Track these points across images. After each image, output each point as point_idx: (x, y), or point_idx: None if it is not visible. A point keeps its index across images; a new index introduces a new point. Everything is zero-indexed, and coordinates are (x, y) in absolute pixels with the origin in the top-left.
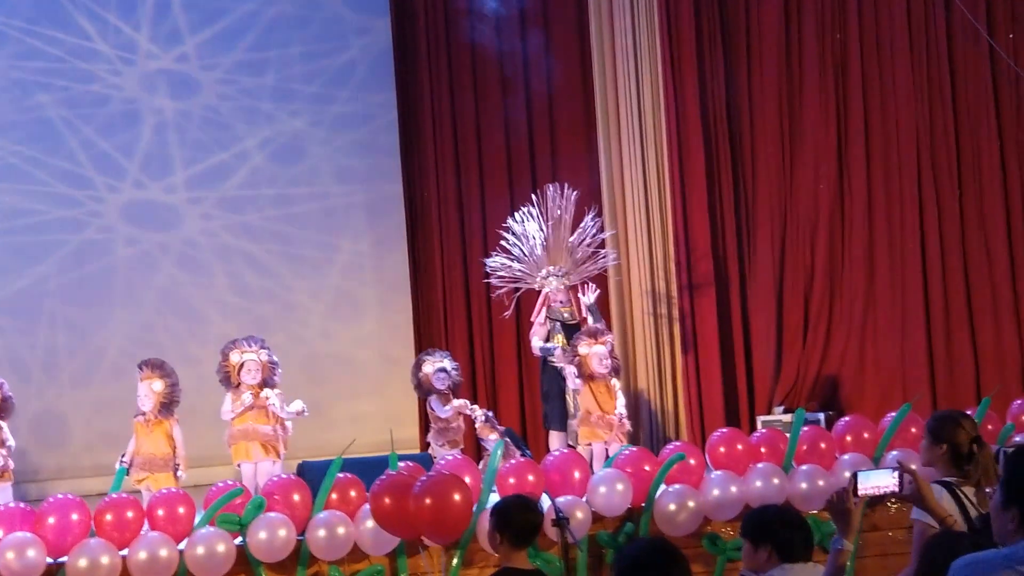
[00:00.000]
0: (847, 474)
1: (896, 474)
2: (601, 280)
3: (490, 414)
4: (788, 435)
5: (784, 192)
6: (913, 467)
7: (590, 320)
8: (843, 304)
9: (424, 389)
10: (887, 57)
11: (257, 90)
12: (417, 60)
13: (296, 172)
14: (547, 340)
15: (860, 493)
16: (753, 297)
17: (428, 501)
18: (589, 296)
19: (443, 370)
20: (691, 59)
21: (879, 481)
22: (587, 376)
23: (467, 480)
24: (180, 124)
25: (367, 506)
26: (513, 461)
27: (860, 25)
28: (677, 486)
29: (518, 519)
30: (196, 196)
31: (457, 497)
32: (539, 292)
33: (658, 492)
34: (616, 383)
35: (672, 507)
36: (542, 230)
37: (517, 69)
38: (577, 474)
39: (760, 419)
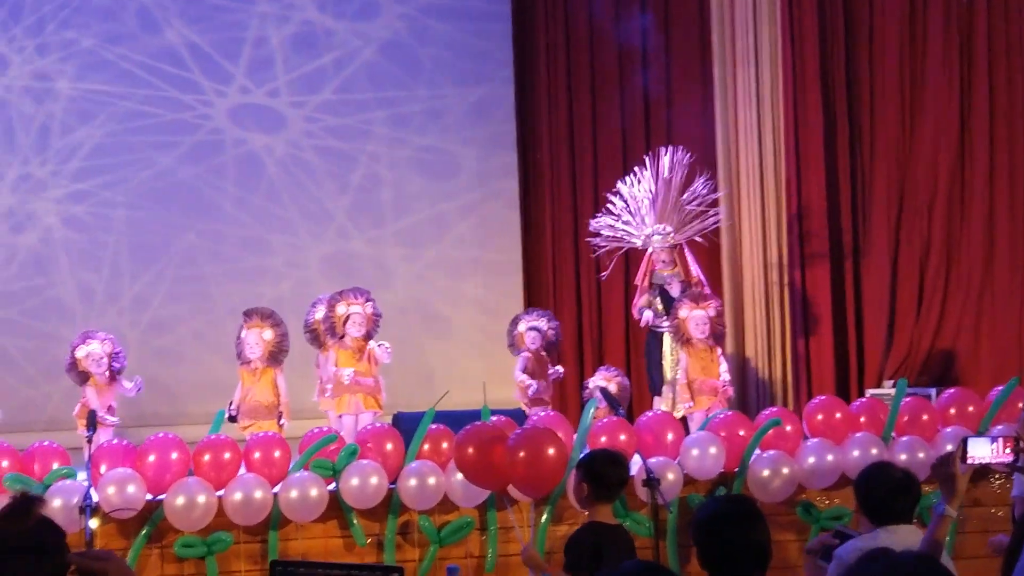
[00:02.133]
0: (949, 447)
1: (1005, 444)
2: (714, 248)
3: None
4: (888, 404)
5: (902, 160)
6: None
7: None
8: (959, 277)
9: (517, 348)
10: (1016, 26)
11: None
12: (535, 28)
13: (407, 124)
14: (649, 307)
15: (968, 460)
16: (867, 267)
17: (522, 454)
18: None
19: (535, 329)
20: (812, 21)
21: (989, 451)
22: (684, 340)
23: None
24: (283, 29)
25: None
26: (606, 420)
27: None
28: (772, 452)
29: (604, 471)
30: (298, 100)
31: (551, 451)
32: (643, 253)
33: (752, 457)
34: (719, 349)
35: (766, 473)
36: (651, 190)
37: (633, 33)
38: (670, 435)
39: (868, 392)
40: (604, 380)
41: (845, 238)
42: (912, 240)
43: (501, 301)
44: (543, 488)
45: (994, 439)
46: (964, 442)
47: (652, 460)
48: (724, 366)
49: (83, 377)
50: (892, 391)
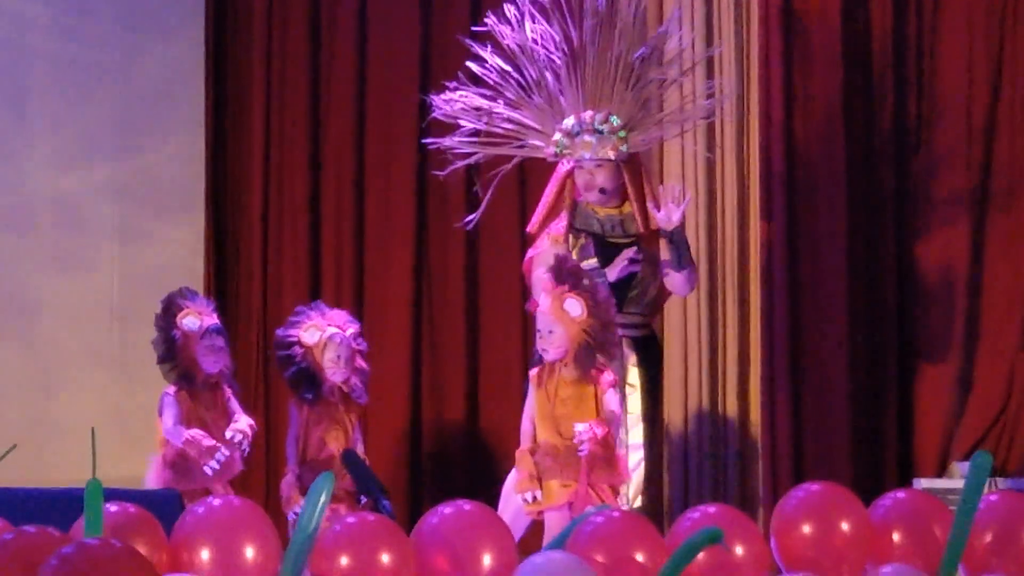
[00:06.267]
0: None
1: None
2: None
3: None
4: (953, 508)
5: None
6: None
7: (669, 254)
8: None
9: (180, 367)
10: None
11: None
12: None
13: None
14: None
15: None
16: (925, 240)
17: None
18: (673, 212)
19: (217, 331)
20: None
21: None
22: (540, 361)
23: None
24: None
25: None
26: (352, 519)
27: None
28: None
29: None
30: None
31: None
32: (552, 170)
33: None
34: (608, 378)
35: None
36: (568, 37)
37: None
38: (487, 559)
39: (920, 483)
40: (332, 328)
41: (879, 144)
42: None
43: (157, 281)
44: None
45: None
46: None
47: None
48: (611, 404)
49: None
50: (962, 482)
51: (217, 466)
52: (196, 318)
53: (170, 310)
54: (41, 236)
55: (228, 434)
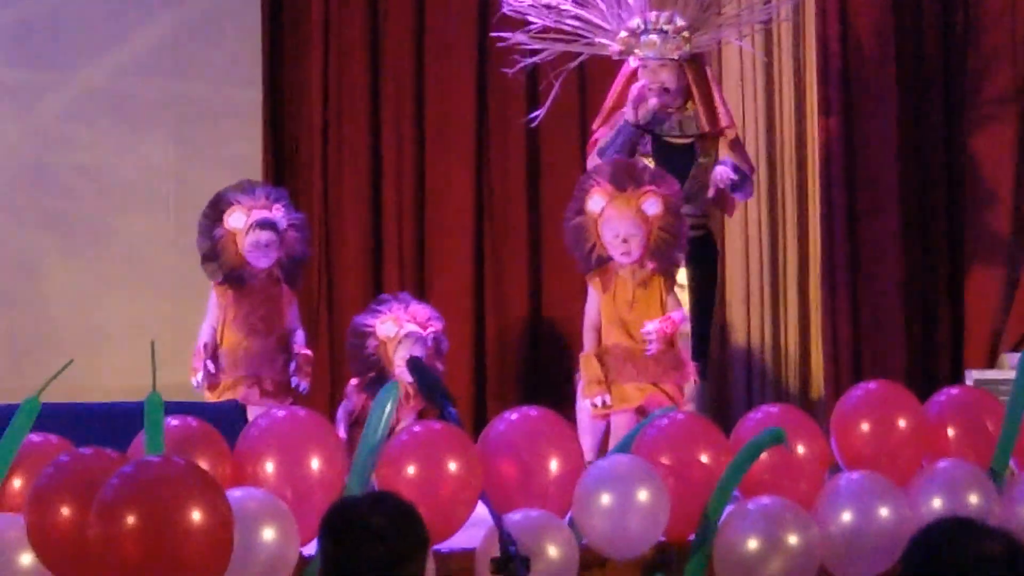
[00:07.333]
0: None
1: None
2: None
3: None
4: (1004, 400)
5: None
6: None
7: (724, 168)
8: None
9: (225, 266)
10: None
11: None
12: None
13: None
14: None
15: None
16: (975, 137)
17: (131, 521)
18: (724, 174)
19: (265, 225)
20: None
21: None
22: (598, 267)
23: (324, 460)
24: None
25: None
26: (417, 427)
27: None
28: (767, 500)
29: (345, 538)
30: None
31: (196, 516)
32: (616, 70)
33: (724, 512)
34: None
35: (752, 545)
36: None
37: None
38: (554, 465)
39: (972, 375)
40: (411, 325)
41: (929, 39)
42: None
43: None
44: None
45: None
46: None
47: (515, 516)
48: (679, 313)
49: None
50: (1012, 373)
51: (196, 386)
52: (243, 214)
53: (217, 207)
54: (99, 159)
55: (294, 381)
